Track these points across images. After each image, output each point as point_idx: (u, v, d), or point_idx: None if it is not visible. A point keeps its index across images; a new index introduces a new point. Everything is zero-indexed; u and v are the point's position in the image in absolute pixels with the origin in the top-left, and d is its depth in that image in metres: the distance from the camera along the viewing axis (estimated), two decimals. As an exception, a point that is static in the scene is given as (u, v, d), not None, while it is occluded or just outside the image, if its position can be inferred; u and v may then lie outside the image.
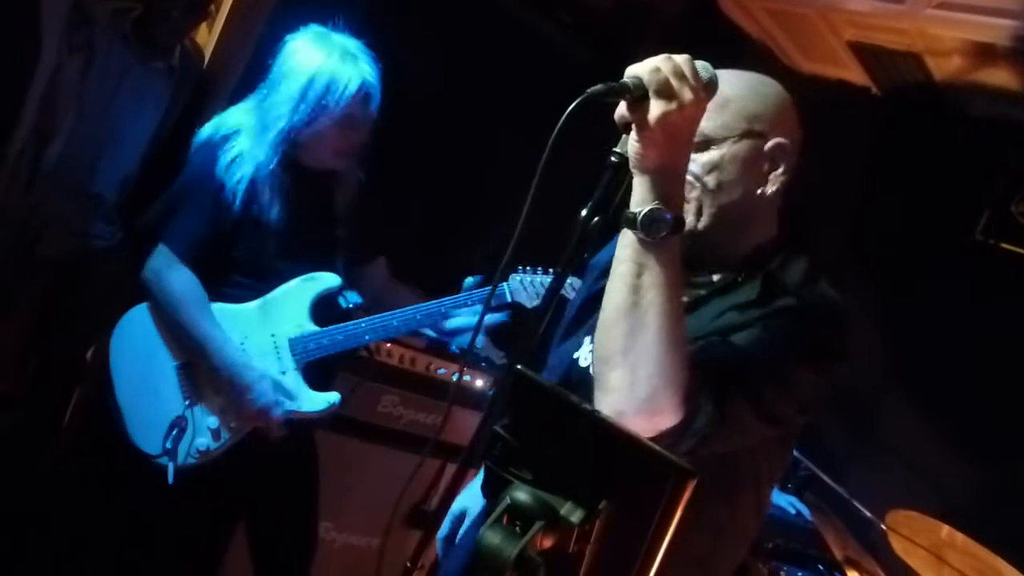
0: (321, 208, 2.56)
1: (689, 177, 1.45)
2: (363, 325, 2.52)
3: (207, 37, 3.13)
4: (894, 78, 3.51)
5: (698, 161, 1.48)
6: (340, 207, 2.60)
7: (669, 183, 1.30)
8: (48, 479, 2.93)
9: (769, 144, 1.51)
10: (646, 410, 1.27)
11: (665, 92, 1.25)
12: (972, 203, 3.45)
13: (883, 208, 3.60)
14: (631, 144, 1.29)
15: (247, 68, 2.87)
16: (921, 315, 3.47)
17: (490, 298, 2.18)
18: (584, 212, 1.28)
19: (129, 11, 2.54)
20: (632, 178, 1.31)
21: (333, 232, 2.59)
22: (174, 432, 2.39)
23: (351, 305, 2.73)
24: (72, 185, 2.59)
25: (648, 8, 3.60)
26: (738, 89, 1.51)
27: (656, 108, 1.25)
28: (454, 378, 3.02)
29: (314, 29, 2.46)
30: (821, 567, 2.89)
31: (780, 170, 1.52)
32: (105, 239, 2.80)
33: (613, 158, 1.31)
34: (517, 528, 1.05)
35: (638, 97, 1.26)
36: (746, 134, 1.49)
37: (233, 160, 2.41)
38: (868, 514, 2.83)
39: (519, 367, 1.10)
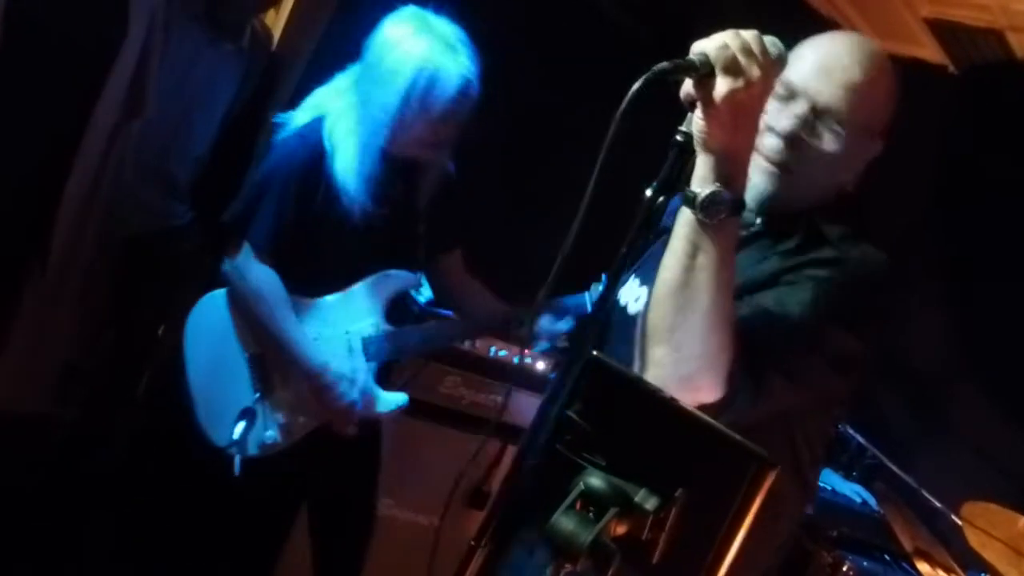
0: (404, 201, 2.47)
1: (803, 137, 1.46)
2: (436, 329, 2.51)
3: (275, 19, 3.17)
4: (973, 56, 3.40)
5: (824, 138, 1.46)
6: (423, 199, 2.52)
7: (732, 164, 1.27)
8: (119, 452, 3.03)
9: (873, 148, 1.52)
10: (686, 388, 1.27)
11: (732, 69, 1.22)
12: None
13: (959, 190, 3.50)
14: (696, 122, 1.26)
15: (316, 50, 2.89)
16: (995, 299, 3.37)
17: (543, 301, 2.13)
18: (649, 192, 1.26)
19: (201, -6, 2.59)
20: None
21: (415, 226, 2.51)
22: (243, 423, 2.37)
23: (423, 305, 2.71)
24: (147, 165, 2.65)
25: (715, -16, 3.53)
26: (885, 86, 1.50)
27: (723, 85, 1.22)
28: (515, 360, 3.02)
29: (413, 13, 2.35)
30: (887, 557, 2.84)
31: (863, 167, 1.54)
32: (178, 218, 2.86)
33: (678, 137, 1.28)
34: (590, 514, 1.05)
35: (704, 74, 1.23)
36: (870, 133, 1.50)
37: (323, 154, 2.34)
38: (938, 504, 2.77)
39: (595, 353, 1.09)
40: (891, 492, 2.88)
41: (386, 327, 2.48)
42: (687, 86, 1.27)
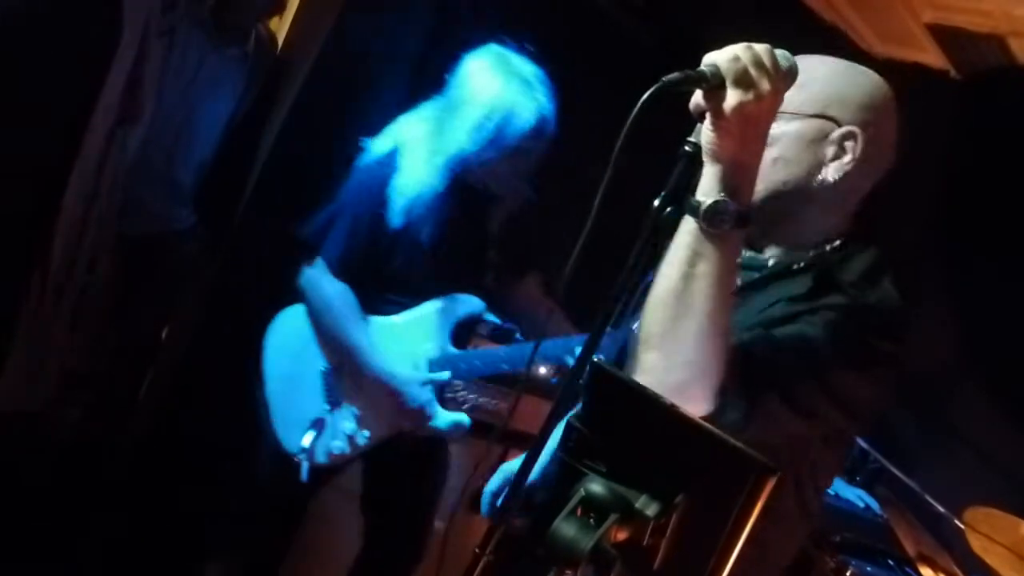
0: (475, 228, 2.56)
1: None
2: (501, 353, 2.57)
3: (280, 24, 3.17)
4: (975, 61, 3.40)
5: None
6: (495, 226, 2.59)
7: (740, 175, 1.28)
8: (123, 455, 3.04)
9: (839, 131, 1.47)
10: (676, 396, 1.23)
11: (743, 82, 1.22)
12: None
13: (962, 194, 3.50)
14: (705, 133, 1.27)
15: (320, 55, 2.90)
16: (999, 303, 3.37)
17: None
18: (657, 203, 1.26)
19: (207, -2, 2.60)
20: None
21: (485, 252, 2.59)
22: (313, 432, 2.47)
23: (490, 329, 2.80)
24: (151, 169, 2.66)
25: (719, -9, 3.54)
26: (824, 73, 1.48)
27: (733, 98, 1.22)
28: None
29: (494, 51, 2.45)
30: (891, 562, 2.84)
31: (846, 159, 1.47)
32: (181, 222, 2.87)
33: (687, 147, 1.29)
34: (591, 520, 1.05)
35: (715, 86, 1.23)
36: (816, 116, 1.46)
37: (400, 180, 2.42)
38: (941, 509, 2.76)
39: (596, 359, 1.10)
40: (892, 497, 2.88)
41: (450, 349, 2.56)
42: (697, 97, 1.27)
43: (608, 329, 1.47)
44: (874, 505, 3.08)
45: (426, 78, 3.02)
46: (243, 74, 2.80)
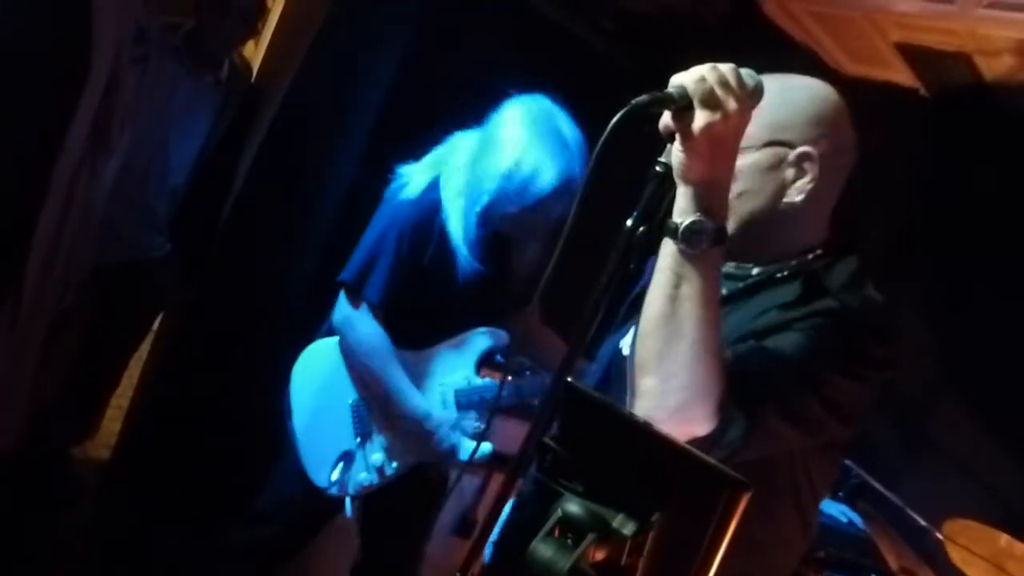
0: (501, 261, 2.57)
1: None
2: (525, 386, 2.59)
3: (254, 52, 3.19)
4: (943, 79, 3.45)
5: None
6: (517, 263, 2.60)
7: (713, 194, 1.29)
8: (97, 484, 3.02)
9: (794, 153, 1.48)
10: (677, 419, 1.27)
11: (710, 102, 1.24)
12: (1025, 204, 3.37)
13: (934, 210, 3.54)
14: (675, 154, 1.28)
15: (293, 82, 2.91)
16: (976, 317, 3.40)
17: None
18: (629, 222, 1.27)
19: (181, 26, 2.61)
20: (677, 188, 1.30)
21: (509, 288, 2.60)
22: (341, 465, 2.49)
23: (509, 360, 2.78)
24: (125, 197, 2.65)
25: (690, 13, 3.58)
26: (767, 97, 1.44)
27: (701, 118, 1.24)
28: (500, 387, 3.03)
29: (539, 102, 2.44)
30: (874, 576, 2.85)
31: (807, 178, 1.48)
32: (156, 250, 2.86)
33: (658, 168, 1.30)
34: (569, 541, 1.05)
35: (682, 107, 1.25)
36: (769, 143, 1.47)
37: (437, 211, 2.44)
38: (923, 523, 2.77)
39: (569, 379, 1.10)
40: (874, 511, 2.89)
41: (477, 381, 2.59)
42: (666, 118, 1.28)
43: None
44: (857, 520, 3.08)
45: (402, 104, 3.05)
46: (217, 101, 2.81)
